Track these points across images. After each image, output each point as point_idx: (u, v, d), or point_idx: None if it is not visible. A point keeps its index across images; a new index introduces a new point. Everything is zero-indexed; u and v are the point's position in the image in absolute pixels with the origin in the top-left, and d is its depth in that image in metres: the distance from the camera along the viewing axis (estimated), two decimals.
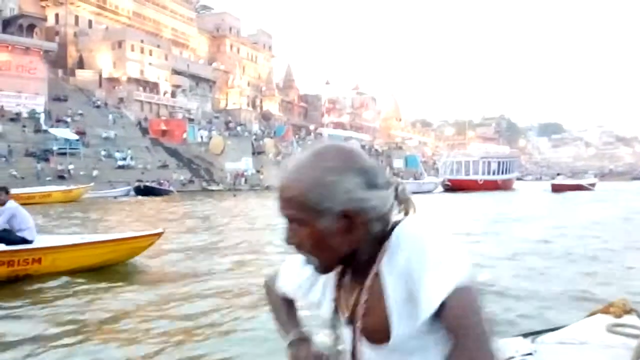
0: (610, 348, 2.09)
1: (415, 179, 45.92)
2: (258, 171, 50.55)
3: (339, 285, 1.06)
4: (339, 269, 1.03)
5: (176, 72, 62.61)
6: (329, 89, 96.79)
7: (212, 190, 42.14)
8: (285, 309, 1.21)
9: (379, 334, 0.94)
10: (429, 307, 0.84)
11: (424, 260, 0.86)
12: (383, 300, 0.93)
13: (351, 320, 1.01)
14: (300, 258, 1.04)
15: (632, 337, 2.09)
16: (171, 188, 36.62)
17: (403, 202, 0.98)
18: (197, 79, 66.54)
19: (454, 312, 0.83)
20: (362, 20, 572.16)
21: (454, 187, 39.05)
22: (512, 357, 2.12)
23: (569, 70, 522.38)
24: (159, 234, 7.97)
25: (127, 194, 32.73)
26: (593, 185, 39.58)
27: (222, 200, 29.33)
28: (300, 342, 1.13)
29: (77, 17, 59.06)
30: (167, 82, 60.83)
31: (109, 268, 7.50)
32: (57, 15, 58.25)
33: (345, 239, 0.93)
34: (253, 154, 53.17)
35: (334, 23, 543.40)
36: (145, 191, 32.28)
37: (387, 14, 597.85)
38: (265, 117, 75.65)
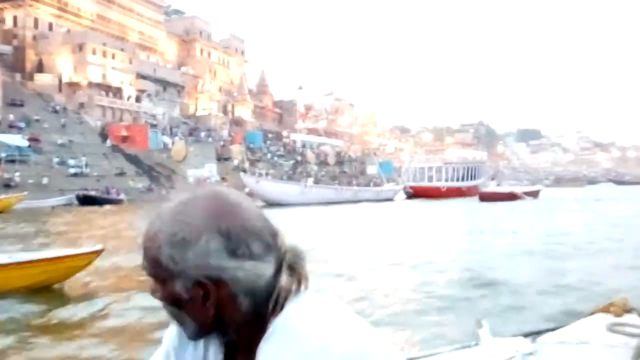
0: (611, 347, 2.13)
1: (375, 185, 44.66)
2: (223, 178, 48.98)
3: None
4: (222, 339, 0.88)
5: (142, 77, 60.82)
6: (305, 94, 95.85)
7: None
8: None
9: None
10: None
11: None
12: None
13: None
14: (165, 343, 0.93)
15: (632, 336, 2.14)
16: (121, 197, 34.81)
17: (294, 274, 0.81)
18: (164, 83, 64.81)
19: None
20: (339, 26, 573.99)
21: (416, 194, 37.59)
22: (513, 357, 2.21)
23: (547, 77, 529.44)
24: (97, 252, 7.30)
25: (68, 204, 30.88)
26: (537, 192, 37.41)
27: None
28: None
29: (36, 20, 57.06)
30: (131, 86, 59.01)
31: (41, 291, 6.74)
32: (15, 17, 56.23)
33: (204, 310, 0.79)
34: (219, 160, 51.62)
35: (310, 29, 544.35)
36: (88, 200, 30.47)
37: (365, 19, 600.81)
38: (237, 123, 74.09)
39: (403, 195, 39.01)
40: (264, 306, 0.79)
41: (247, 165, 48.67)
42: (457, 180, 41.07)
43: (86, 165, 41.75)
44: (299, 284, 0.81)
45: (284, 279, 0.80)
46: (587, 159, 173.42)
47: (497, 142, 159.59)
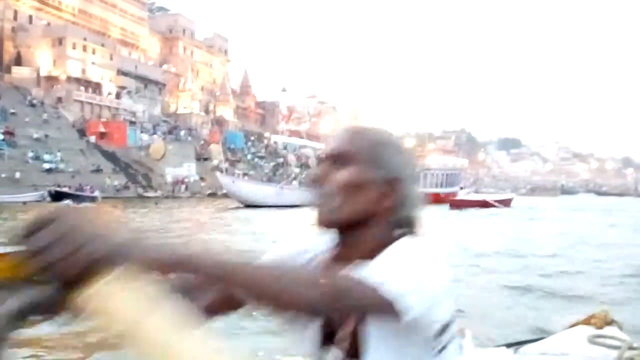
0: (591, 359, 2.13)
1: None
2: (202, 178, 48.62)
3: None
4: (334, 249, 0.96)
5: (123, 73, 60.10)
6: (288, 96, 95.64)
7: (149, 197, 39.98)
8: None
9: (354, 346, 0.88)
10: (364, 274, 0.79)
11: (389, 263, 0.83)
12: None
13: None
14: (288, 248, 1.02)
15: (612, 348, 2.14)
16: (96, 194, 34.27)
17: (415, 217, 0.96)
18: (145, 80, 64.12)
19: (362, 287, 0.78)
20: (324, 29, 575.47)
21: None
22: None
23: (528, 87, 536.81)
24: None
25: (40, 200, 30.28)
26: (509, 201, 37.11)
27: (147, 208, 27.38)
28: None
29: (16, 12, 56.05)
30: (111, 82, 58.28)
31: None
32: None
33: (375, 200, 0.91)
34: (198, 159, 51.22)
35: (295, 31, 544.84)
36: (61, 197, 29.91)
37: (350, 24, 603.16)
38: (219, 122, 73.62)
39: None
40: (399, 228, 0.93)
41: (226, 165, 48.37)
42: (436, 186, 40.98)
43: (61, 160, 41.09)
44: (415, 222, 0.96)
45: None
46: (566, 169, 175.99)
47: (478, 150, 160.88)
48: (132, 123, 53.79)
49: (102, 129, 49.67)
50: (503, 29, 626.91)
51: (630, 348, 2.15)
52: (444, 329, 0.89)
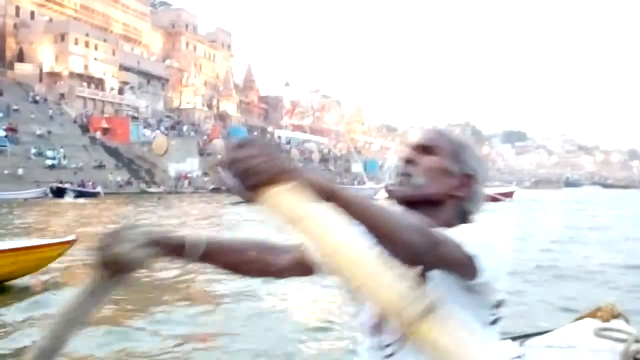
0: (597, 352, 2.13)
1: (359, 184, 44.38)
2: (205, 173, 48.51)
3: None
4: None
5: (125, 69, 60.01)
6: (292, 91, 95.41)
7: (152, 193, 39.93)
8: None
9: None
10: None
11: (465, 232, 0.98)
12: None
13: None
14: None
15: (619, 341, 2.14)
16: (98, 189, 34.23)
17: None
18: (148, 76, 64.03)
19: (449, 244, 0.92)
20: (328, 23, 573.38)
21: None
22: None
23: (533, 79, 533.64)
24: (70, 242, 7.04)
25: (42, 196, 30.27)
26: (511, 194, 36.90)
27: (149, 203, 27.31)
28: None
29: (18, 8, 55.93)
30: (114, 78, 58.20)
31: (9, 284, 6.56)
32: None
33: (453, 186, 1.07)
34: (201, 155, 51.12)
35: (299, 25, 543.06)
36: (62, 193, 29.88)
37: (354, 17, 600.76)
38: (222, 117, 73.52)
39: (385, 194, 38.72)
40: (467, 218, 1.08)
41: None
42: None
43: (64, 156, 41.06)
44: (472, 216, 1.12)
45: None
46: (571, 162, 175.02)
47: (483, 143, 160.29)
48: (135, 118, 53.72)
49: (105, 125, 49.63)
50: (508, 21, 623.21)
51: (637, 341, 2.15)
52: (500, 303, 1.02)
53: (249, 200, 0.82)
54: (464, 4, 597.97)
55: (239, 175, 0.81)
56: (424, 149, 1.08)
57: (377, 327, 1.04)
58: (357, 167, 71.07)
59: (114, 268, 0.98)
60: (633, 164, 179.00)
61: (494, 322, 1.03)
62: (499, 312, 1.03)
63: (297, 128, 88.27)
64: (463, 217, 1.08)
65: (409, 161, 1.08)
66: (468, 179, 1.08)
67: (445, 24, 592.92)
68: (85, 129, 49.15)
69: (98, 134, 47.90)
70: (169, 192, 40.75)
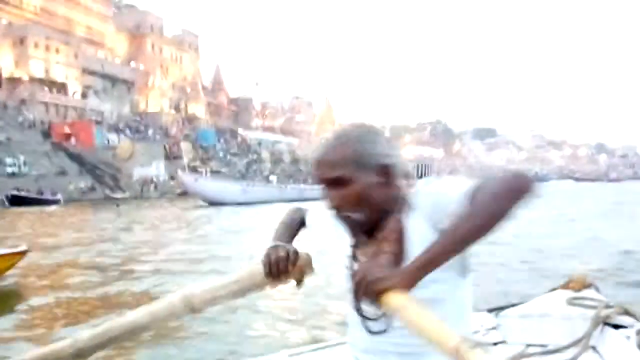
0: (570, 319, 2.24)
1: None
2: (172, 177, 47.93)
3: (355, 241, 1.20)
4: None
5: (88, 72, 58.95)
6: (262, 92, 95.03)
7: (116, 199, 39.26)
8: (290, 226, 1.36)
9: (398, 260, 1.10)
10: (457, 200, 1.00)
11: (446, 190, 1.05)
12: (405, 248, 1.10)
13: None
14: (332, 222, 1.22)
15: (590, 308, 2.25)
16: (58, 197, 33.50)
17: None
18: (113, 79, 63.01)
19: (475, 193, 0.99)
20: (297, 23, 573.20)
21: None
22: (477, 331, 2.31)
23: (503, 76, 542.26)
24: (21, 253, 7.12)
25: None
26: None
27: (107, 210, 26.83)
28: (280, 245, 1.26)
29: None
30: (77, 82, 57.09)
31: None
32: None
33: (383, 192, 1.10)
34: (168, 158, 50.51)
35: (267, 25, 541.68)
36: (19, 201, 29.15)
37: (322, 16, 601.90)
38: (190, 120, 72.72)
39: None
40: (403, 188, 1.13)
41: (196, 163, 47.67)
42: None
43: (24, 164, 40.11)
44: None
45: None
46: (540, 157, 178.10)
47: (454, 140, 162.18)
48: (99, 123, 52.77)
49: (68, 130, 48.64)
50: (476, 19, 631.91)
51: (607, 307, 2.25)
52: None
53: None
54: (434, 2, 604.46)
55: (364, 296, 0.99)
56: (333, 182, 1.10)
57: (352, 266, 1.17)
58: None
59: (278, 278, 1.23)
60: (600, 158, 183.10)
61: (468, 273, 1.15)
62: (470, 261, 1.14)
63: (268, 129, 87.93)
64: (398, 195, 1.13)
65: (336, 207, 1.12)
66: (386, 171, 1.10)
67: (415, 22, 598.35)
68: (47, 135, 48.09)
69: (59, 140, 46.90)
70: (135, 197, 40.15)
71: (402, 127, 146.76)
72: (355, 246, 1.19)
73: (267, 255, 1.25)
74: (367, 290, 0.97)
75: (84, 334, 1.28)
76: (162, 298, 1.31)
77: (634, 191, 39.12)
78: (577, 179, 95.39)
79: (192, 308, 1.32)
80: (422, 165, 43.80)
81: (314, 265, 1.27)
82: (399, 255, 1.09)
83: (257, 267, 1.28)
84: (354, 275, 1.02)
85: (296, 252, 1.25)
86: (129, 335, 1.33)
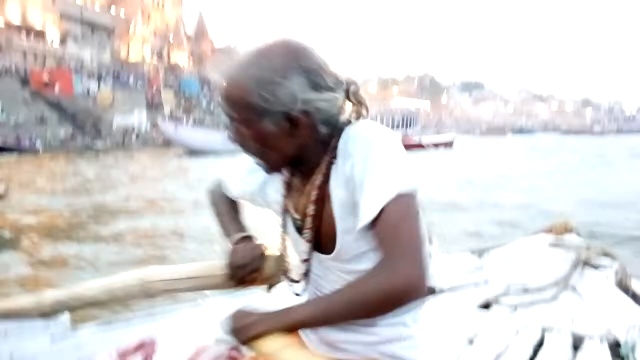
0: (552, 260, 2.37)
1: None
2: (154, 126, 47.08)
3: (288, 186, 1.07)
4: (288, 169, 1.04)
5: (67, 18, 56.73)
6: (247, 40, 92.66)
7: (97, 148, 38.53)
8: (230, 212, 1.24)
9: (325, 240, 0.98)
10: (369, 213, 0.86)
11: (368, 167, 0.87)
12: (330, 205, 0.96)
13: (302, 224, 1.02)
14: (246, 164, 1.13)
15: (571, 250, 2.38)
16: (37, 145, 32.76)
17: (355, 104, 0.97)
18: (92, 25, 60.79)
19: (390, 218, 0.84)
20: None
21: None
22: (462, 272, 2.42)
23: (491, 29, 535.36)
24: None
25: None
26: (450, 143, 35.45)
27: (86, 160, 26.31)
28: (243, 240, 1.16)
29: None
30: (55, 28, 55.03)
31: None
32: None
33: (290, 141, 0.93)
34: (149, 107, 49.47)
35: None
36: None
37: None
38: (173, 69, 71.01)
39: None
40: (335, 130, 0.95)
41: (182, 112, 46.85)
42: (393, 129, 40.09)
43: (2, 111, 39.01)
44: (361, 107, 0.97)
45: (351, 106, 0.96)
46: (526, 110, 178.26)
47: (441, 93, 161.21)
48: (79, 71, 51.24)
49: (46, 78, 47.19)
50: None
51: (588, 249, 2.40)
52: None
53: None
54: None
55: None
56: (235, 120, 0.94)
57: (286, 222, 1.08)
58: None
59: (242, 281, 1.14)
60: (586, 112, 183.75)
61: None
62: None
63: None
64: (331, 124, 0.94)
65: (236, 138, 0.96)
66: (293, 118, 0.90)
67: None
68: (25, 82, 46.66)
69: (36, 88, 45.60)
70: (116, 147, 39.45)
71: (390, 80, 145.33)
72: (286, 196, 1.05)
73: (231, 255, 1.13)
74: (238, 338, 0.93)
75: (48, 294, 1.31)
76: (120, 274, 1.29)
77: (617, 144, 39.27)
78: (563, 132, 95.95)
79: (148, 293, 1.29)
80: (407, 117, 43.12)
81: (286, 266, 1.14)
82: (325, 214, 0.96)
83: (218, 264, 1.18)
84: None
85: (262, 255, 1.12)
86: (89, 306, 1.32)
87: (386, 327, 0.95)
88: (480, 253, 2.69)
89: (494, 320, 2.14)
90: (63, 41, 55.94)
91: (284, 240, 1.09)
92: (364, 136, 0.89)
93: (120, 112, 45.07)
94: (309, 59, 0.90)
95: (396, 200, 0.83)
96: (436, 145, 32.39)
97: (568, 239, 2.61)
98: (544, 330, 2.02)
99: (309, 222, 0.98)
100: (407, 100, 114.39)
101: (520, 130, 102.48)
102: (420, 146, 31.48)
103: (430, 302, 0.92)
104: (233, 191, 1.22)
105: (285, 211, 1.06)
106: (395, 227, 0.84)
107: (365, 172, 0.86)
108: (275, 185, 1.10)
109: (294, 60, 0.89)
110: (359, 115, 0.95)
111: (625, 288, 2.27)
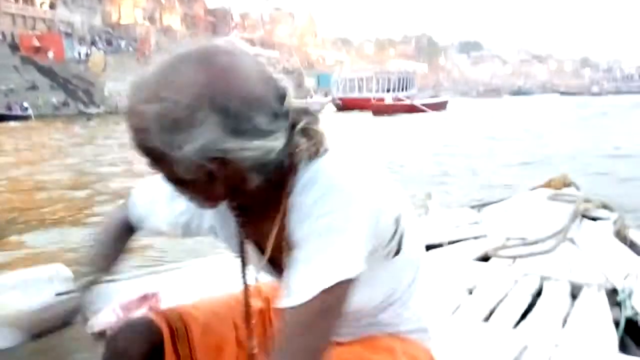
0: (551, 213, 2.38)
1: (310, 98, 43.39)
2: None
3: (240, 212, 0.87)
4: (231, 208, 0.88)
5: None
6: (241, 2, 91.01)
7: (91, 114, 38.20)
8: (114, 243, 1.06)
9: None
10: (297, 297, 0.69)
11: (317, 237, 0.70)
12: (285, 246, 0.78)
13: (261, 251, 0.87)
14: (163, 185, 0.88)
15: (569, 202, 2.42)
16: (28, 112, 32.42)
17: (311, 139, 0.75)
18: None
19: (309, 310, 0.69)
20: None
21: (346, 106, 36.32)
22: (460, 225, 2.44)
23: None
24: None
25: None
26: (443, 104, 34.98)
27: (77, 126, 26.09)
28: (87, 289, 1.05)
29: None
30: None
31: None
32: None
33: (212, 188, 0.73)
34: None
35: None
36: None
37: None
38: (166, 32, 69.78)
39: (333, 108, 37.55)
40: (279, 172, 0.74)
41: None
42: (389, 91, 39.48)
43: None
44: (316, 145, 0.75)
45: (300, 142, 0.73)
46: (525, 71, 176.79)
47: (439, 54, 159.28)
48: (70, 35, 50.31)
49: (37, 43, 46.34)
50: None
51: (586, 201, 2.43)
52: (392, 236, 0.80)
53: None
54: None
55: None
56: (145, 155, 0.74)
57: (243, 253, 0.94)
58: (310, 82, 69.80)
59: None
60: (584, 72, 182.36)
61: (396, 253, 0.83)
62: (396, 240, 0.81)
63: (248, 42, 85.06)
64: (277, 182, 0.76)
65: (154, 168, 0.75)
66: (209, 173, 0.71)
67: None
68: (15, 48, 45.84)
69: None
70: (110, 112, 39.07)
71: (387, 41, 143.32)
72: (241, 224, 0.88)
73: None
74: None
75: None
76: None
77: (614, 104, 39.05)
78: (561, 93, 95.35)
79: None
80: (404, 79, 42.54)
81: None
82: (281, 255, 0.79)
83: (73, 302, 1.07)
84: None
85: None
86: None
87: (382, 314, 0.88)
88: (479, 207, 2.72)
89: (493, 271, 2.15)
90: (53, 5, 54.73)
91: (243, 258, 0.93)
92: (325, 187, 0.71)
93: (112, 78, 44.46)
94: (230, 91, 0.67)
95: (330, 290, 0.68)
96: (429, 108, 32.00)
97: (567, 192, 2.64)
98: (542, 280, 2.04)
99: (268, 250, 0.83)
100: (404, 62, 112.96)
101: (518, 92, 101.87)
102: (412, 109, 31.18)
103: (430, 256, 0.90)
104: (153, 221, 1.01)
105: (240, 236, 0.90)
106: (307, 326, 0.70)
107: (306, 249, 0.70)
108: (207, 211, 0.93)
109: (207, 92, 0.66)
110: (311, 156, 0.74)
111: (623, 238, 2.31)
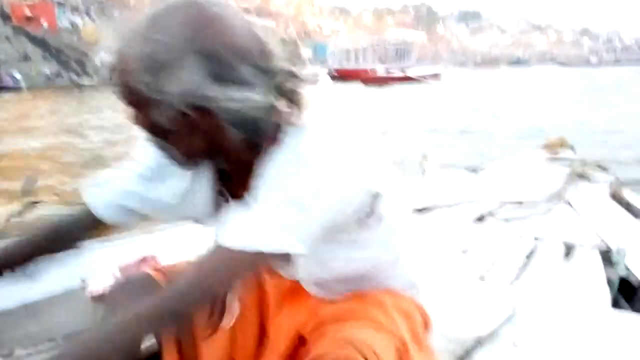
0: (547, 174, 2.43)
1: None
2: None
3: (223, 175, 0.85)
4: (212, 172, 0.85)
5: None
6: None
7: (84, 85, 37.84)
8: (54, 235, 0.95)
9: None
10: (225, 239, 0.69)
11: (270, 200, 0.69)
12: None
13: None
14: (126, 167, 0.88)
15: (566, 163, 2.49)
16: (20, 84, 32.07)
17: (293, 103, 0.72)
18: None
19: (224, 262, 0.69)
20: None
21: (341, 77, 35.95)
22: (455, 186, 2.44)
23: None
24: None
25: None
26: (437, 76, 34.78)
27: (69, 97, 25.85)
28: None
29: None
30: None
31: None
32: None
33: (192, 141, 0.72)
34: None
35: None
36: None
37: None
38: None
39: (328, 78, 37.17)
40: (258, 135, 0.72)
41: None
42: (385, 62, 39.14)
43: None
44: (299, 109, 0.72)
45: (281, 105, 0.71)
46: (524, 41, 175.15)
47: (438, 24, 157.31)
48: (62, 4, 49.43)
49: (29, 13, 45.58)
50: None
51: (583, 164, 2.48)
52: (367, 209, 0.79)
53: None
54: None
55: None
56: (124, 100, 0.72)
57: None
58: (306, 53, 69.03)
59: None
60: (584, 42, 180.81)
61: (380, 220, 0.82)
62: (379, 209, 0.80)
63: (243, 10, 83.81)
64: (255, 145, 0.74)
65: (133, 119, 0.74)
66: (189, 121, 0.69)
67: None
68: (6, 17, 45.09)
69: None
70: (103, 83, 38.72)
71: (385, 10, 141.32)
72: (218, 191, 0.86)
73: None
74: None
75: None
76: None
77: (611, 77, 38.76)
78: (560, 64, 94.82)
79: None
80: (401, 49, 42.08)
81: None
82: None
83: None
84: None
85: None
86: None
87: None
88: (475, 169, 2.71)
89: (487, 231, 2.15)
90: None
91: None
92: (296, 163, 0.69)
93: (105, 48, 43.87)
94: (218, 37, 0.66)
95: (261, 254, 0.68)
96: (423, 78, 31.87)
97: (563, 154, 2.66)
98: (536, 241, 2.04)
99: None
100: (402, 31, 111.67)
101: (517, 62, 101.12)
102: (406, 79, 31.03)
103: (426, 217, 0.90)
104: (120, 188, 0.92)
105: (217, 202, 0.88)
106: (217, 271, 0.69)
107: (270, 200, 0.69)
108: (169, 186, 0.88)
109: (195, 37, 0.66)
110: (292, 122, 0.72)
111: (619, 199, 2.31)
